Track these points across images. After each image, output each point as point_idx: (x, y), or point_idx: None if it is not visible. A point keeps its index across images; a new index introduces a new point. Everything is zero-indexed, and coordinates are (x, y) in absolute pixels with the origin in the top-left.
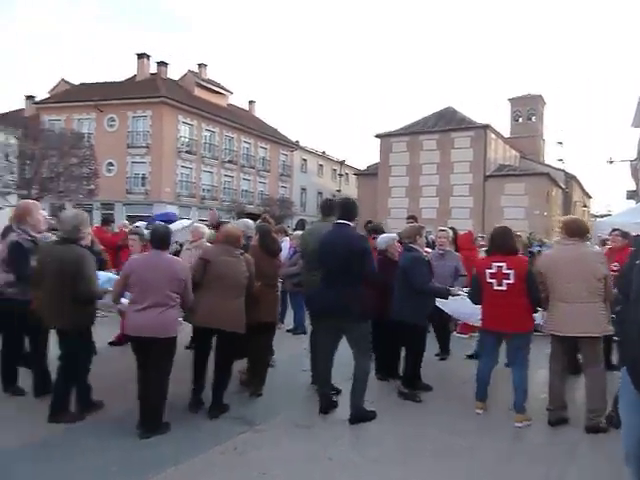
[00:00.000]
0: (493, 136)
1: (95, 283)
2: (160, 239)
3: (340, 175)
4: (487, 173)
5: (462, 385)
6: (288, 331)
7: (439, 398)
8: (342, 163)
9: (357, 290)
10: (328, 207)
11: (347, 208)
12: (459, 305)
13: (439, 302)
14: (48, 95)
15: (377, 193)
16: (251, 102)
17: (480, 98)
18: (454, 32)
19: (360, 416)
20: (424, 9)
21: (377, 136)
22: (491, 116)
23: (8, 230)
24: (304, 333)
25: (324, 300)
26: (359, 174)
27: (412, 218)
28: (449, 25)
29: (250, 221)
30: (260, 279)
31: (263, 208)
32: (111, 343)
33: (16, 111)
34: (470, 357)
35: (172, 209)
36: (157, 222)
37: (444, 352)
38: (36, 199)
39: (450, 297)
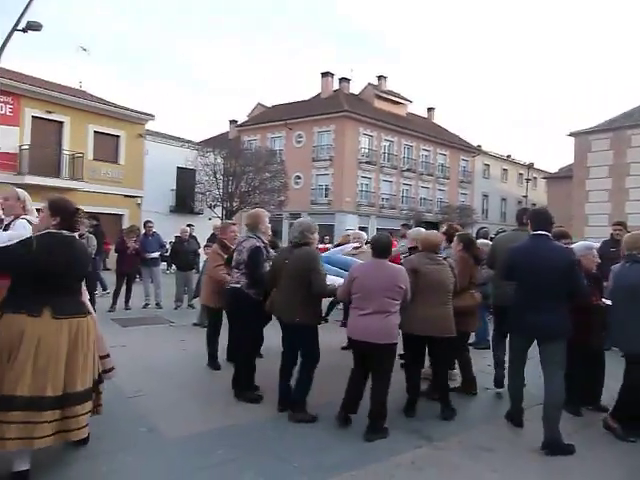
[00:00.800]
0: None
1: (326, 280)
2: (382, 249)
3: (527, 180)
4: None
5: None
6: (470, 344)
7: None
8: (530, 167)
9: (561, 309)
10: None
11: (544, 217)
12: None
13: None
14: (247, 118)
15: (572, 198)
16: (430, 109)
17: None
18: None
19: (554, 448)
20: None
21: (571, 134)
22: None
23: (213, 238)
24: (487, 348)
25: (522, 320)
26: (549, 177)
27: (620, 225)
28: None
29: (422, 229)
30: (473, 288)
31: (442, 216)
32: None
33: (222, 134)
34: None
35: (352, 218)
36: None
37: None
38: (236, 210)
39: None
